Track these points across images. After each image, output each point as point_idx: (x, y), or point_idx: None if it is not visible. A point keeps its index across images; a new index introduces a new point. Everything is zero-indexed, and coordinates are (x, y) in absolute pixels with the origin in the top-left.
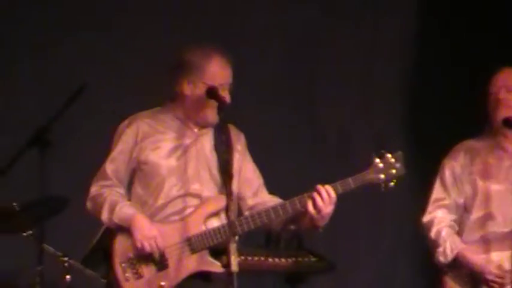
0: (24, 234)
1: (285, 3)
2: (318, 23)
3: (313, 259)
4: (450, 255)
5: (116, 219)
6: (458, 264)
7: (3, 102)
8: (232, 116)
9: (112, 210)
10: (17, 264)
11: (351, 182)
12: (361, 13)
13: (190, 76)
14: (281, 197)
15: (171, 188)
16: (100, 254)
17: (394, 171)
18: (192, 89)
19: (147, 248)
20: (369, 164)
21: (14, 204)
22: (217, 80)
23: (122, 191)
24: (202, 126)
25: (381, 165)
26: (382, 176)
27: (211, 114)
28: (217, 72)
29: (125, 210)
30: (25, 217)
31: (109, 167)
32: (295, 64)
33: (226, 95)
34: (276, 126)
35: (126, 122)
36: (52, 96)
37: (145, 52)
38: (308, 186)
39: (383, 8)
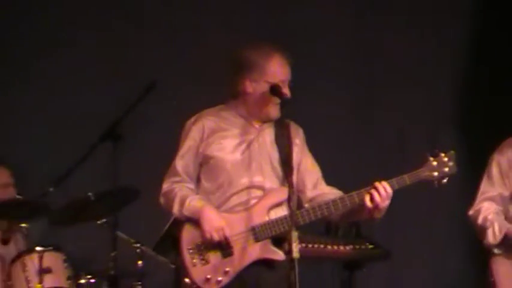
0: (99, 222)
1: (347, 7)
2: (377, 28)
3: (369, 247)
4: (499, 235)
5: (185, 212)
6: (508, 243)
7: (79, 98)
8: (296, 113)
9: (182, 204)
10: (92, 250)
11: (407, 179)
12: (417, 19)
13: (252, 75)
14: (340, 190)
15: (236, 180)
16: (170, 242)
17: (446, 169)
18: (255, 87)
19: (215, 237)
20: (424, 162)
21: (90, 194)
22: (278, 78)
23: (191, 185)
24: (265, 121)
25: (434, 163)
26: (436, 173)
27: (274, 110)
28: (278, 70)
29: (194, 203)
30: (100, 206)
31: (179, 163)
32: (357, 67)
33: (287, 92)
34: (337, 125)
35: (192, 119)
36: (125, 93)
37: (212, 51)
38: (366, 182)
39: (438, 12)
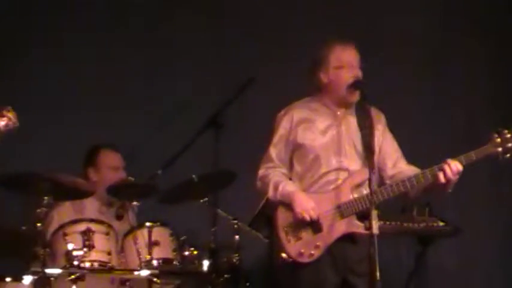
0: (201, 201)
1: (424, 13)
2: (451, 30)
3: (441, 224)
4: None
5: (279, 196)
6: None
7: (185, 91)
8: (382, 101)
9: (276, 188)
10: (195, 226)
11: (473, 155)
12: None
13: (322, 67)
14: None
15: (324, 164)
16: (263, 219)
17: (510, 144)
18: (328, 76)
19: (307, 218)
20: (489, 139)
21: (193, 176)
22: (343, 61)
23: (284, 170)
24: (346, 107)
25: (498, 140)
26: (500, 149)
27: (349, 93)
28: (340, 54)
29: (287, 188)
30: (202, 187)
31: (273, 151)
32: (433, 64)
33: (355, 72)
34: (417, 113)
35: (282, 112)
36: (228, 87)
37: (303, 51)
38: (438, 162)
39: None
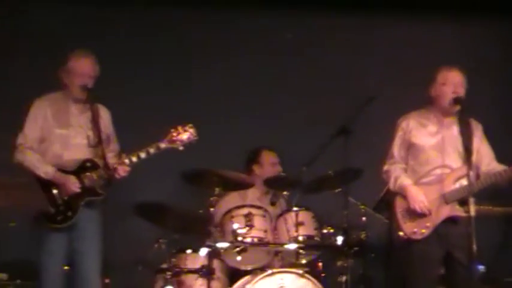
0: (336, 191)
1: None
2: None
3: None
4: None
5: (397, 188)
6: None
7: (323, 103)
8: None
9: (395, 181)
10: (331, 210)
11: None
12: None
13: (433, 83)
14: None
15: (432, 160)
16: (384, 204)
17: None
18: (435, 91)
19: (417, 208)
20: None
21: (330, 172)
22: (447, 79)
23: (403, 165)
24: (450, 116)
25: None
26: None
27: (451, 107)
28: (445, 73)
29: (403, 181)
30: (337, 180)
31: (394, 149)
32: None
33: (456, 89)
34: (503, 123)
35: (401, 118)
36: (355, 99)
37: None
38: None
39: None
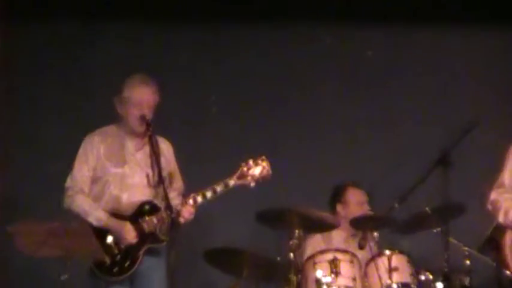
0: (434, 230)
1: None
2: None
3: None
4: None
5: (508, 221)
6: None
7: (419, 134)
8: None
9: (507, 213)
10: (429, 253)
11: None
12: None
13: None
14: None
15: None
16: (492, 244)
17: None
18: None
19: None
20: None
21: (427, 208)
22: None
23: (510, 194)
24: None
25: None
26: None
27: None
28: None
29: None
30: (435, 218)
31: (505, 177)
32: None
33: None
34: None
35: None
36: (453, 129)
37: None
38: None
39: None
